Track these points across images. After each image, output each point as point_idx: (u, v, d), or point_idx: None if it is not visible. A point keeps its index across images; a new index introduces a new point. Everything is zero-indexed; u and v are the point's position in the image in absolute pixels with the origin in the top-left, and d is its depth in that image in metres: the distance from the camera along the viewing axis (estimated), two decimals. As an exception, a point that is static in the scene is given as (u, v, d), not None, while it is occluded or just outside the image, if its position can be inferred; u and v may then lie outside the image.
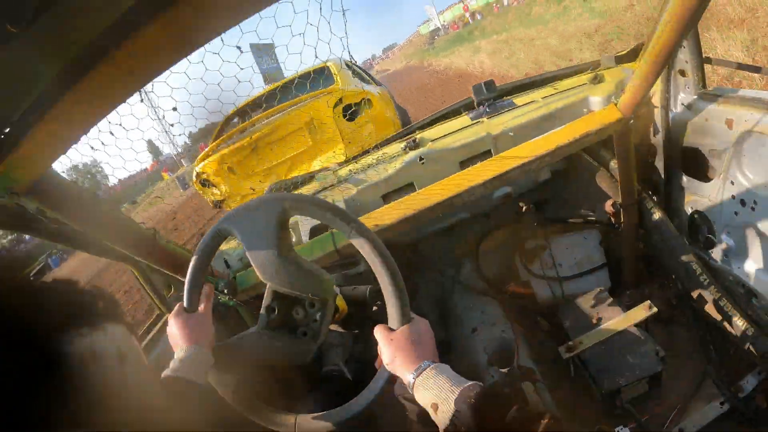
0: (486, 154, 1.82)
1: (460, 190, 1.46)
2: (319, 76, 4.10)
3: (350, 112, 3.80)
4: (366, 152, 2.01)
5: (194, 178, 4.19)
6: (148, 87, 0.90)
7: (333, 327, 1.27)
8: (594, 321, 1.91)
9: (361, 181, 1.81)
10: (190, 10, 0.62)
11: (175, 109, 1.29)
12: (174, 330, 1.07)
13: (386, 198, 1.82)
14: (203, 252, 1.09)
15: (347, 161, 2.03)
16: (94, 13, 0.60)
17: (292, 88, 3.98)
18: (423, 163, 1.81)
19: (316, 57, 1.20)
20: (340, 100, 3.83)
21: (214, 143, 4.13)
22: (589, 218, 2.22)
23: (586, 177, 2.06)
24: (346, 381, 1.42)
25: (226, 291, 1.50)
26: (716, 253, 1.73)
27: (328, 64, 4.11)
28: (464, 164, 1.81)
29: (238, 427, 1.08)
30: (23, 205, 0.95)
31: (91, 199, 1.10)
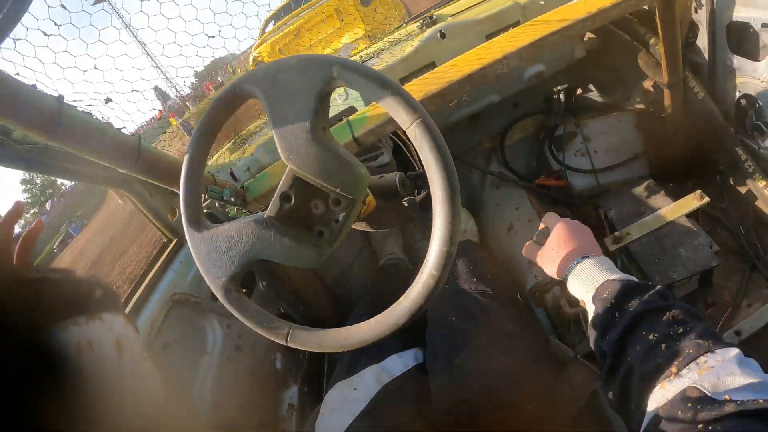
0: (514, 26, 1.59)
1: (492, 59, 1.25)
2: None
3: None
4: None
5: (251, 63, 5.80)
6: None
7: (356, 225, 1.07)
8: (641, 211, 1.76)
9: (376, 66, 1.59)
10: None
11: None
12: None
13: (404, 81, 1.60)
14: (215, 112, 0.86)
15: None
16: None
17: None
18: (444, 38, 1.59)
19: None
20: None
21: (261, 38, 5.80)
22: (625, 103, 2.03)
23: (622, 57, 1.86)
24: (406, 272, 1.25)
25: (233, 200, 1.31)
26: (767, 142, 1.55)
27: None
28: (491, 37, 1.57)
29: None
30: None
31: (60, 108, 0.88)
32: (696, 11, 1.59)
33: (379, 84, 0.74)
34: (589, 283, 0.78)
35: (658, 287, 0.71)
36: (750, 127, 1.60)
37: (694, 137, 1.77)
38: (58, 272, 0.52)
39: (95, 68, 1.17)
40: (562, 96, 1.96)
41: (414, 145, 0.73)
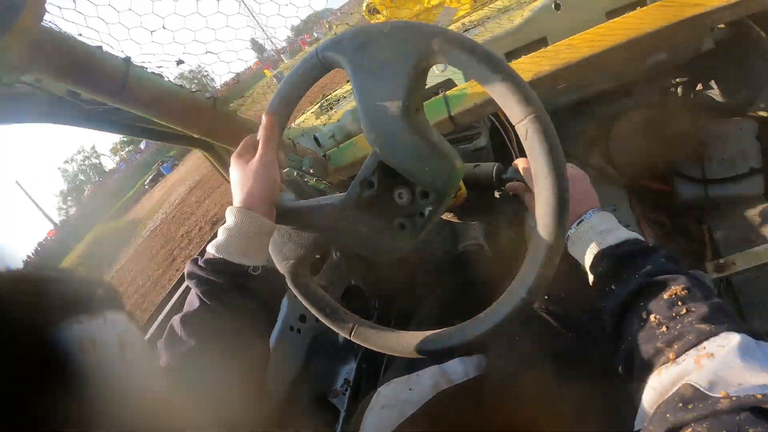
0: (640, 5, 1.40)
1: (615, 43, 1.10)
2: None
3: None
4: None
5: (363, 9, 5.23)
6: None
7: (445, 216, 0.93)
8: (751, 239, 1.55)
9: (479, 36, 1.44)
10: None
11: None
12: (233, 176, 0.79)
13: (511, 56, 1.42)
14: (292, 83, 0.77)
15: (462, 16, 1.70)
16: None
17: None
18: (559, 10, 1.40)
19: None
20: None
21: None
22: (747, 107, 1.79)
23: (754, 56, 1.61)
24: (484, 261, 1.16)
25: (312, 171, 1.22)
26: None
27: None
28: (612, 15, 1.38)
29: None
30: (42, 87, 0.73)
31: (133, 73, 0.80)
32: None
33: (488, 66, 0.61)
34: (587, 249, 0.72)
35: (662, 251, 0.65)
36: None
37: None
38: (60, 272, 0.50)
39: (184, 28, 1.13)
40: (679, 90, 1.76)
41: (523, 143, 0.62)
